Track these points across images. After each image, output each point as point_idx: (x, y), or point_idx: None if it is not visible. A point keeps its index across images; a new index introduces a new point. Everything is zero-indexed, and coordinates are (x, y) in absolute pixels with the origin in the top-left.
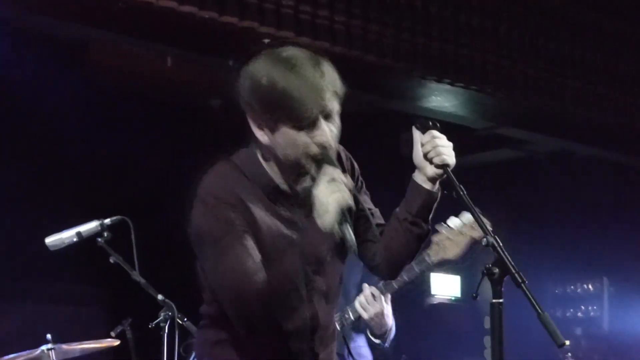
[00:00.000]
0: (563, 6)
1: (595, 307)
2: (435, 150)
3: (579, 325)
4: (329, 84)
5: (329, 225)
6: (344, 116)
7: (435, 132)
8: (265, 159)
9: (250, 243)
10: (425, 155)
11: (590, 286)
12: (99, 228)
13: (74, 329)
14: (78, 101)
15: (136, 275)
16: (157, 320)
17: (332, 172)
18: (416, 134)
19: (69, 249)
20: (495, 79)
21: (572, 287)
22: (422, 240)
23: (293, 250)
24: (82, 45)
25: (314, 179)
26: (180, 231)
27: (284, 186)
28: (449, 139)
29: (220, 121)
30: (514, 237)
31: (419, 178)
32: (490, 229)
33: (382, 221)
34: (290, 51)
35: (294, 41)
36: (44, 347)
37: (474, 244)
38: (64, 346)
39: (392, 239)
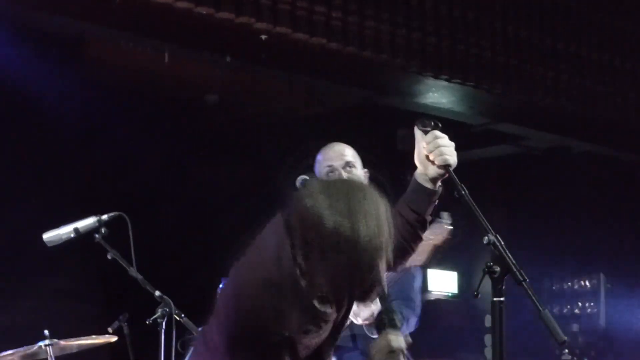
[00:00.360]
0: (560, 3)
1: (592, 304)
2: (437, 150)
3: (576, 321)
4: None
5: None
6: (340, 112)
7: (438, 132)
8: None
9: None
10: (427, 156)
11: (587, 282)
12: (97, 224)
13: (71, 325)
14: (75, 97)
15: (133, 272)
16: (154, 317)
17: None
18: (418, 133)
19: (66, 245)
20: (492, 75)
21: (569, 283)
22: (424, 232)
23: None
24: (79, 41)
25: None
26: (176, 227)
27: None
28: (446, 134)
29: (216, 117)
30: (511, 234)
31: (420, 178)
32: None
33: None
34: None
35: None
36: (41, 343)
37: (437, 250)
38: (62, 342)
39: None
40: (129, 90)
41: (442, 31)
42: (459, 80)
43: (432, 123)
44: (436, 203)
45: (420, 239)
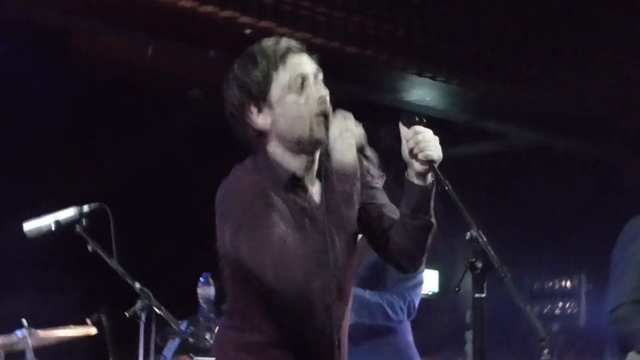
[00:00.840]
0: (544, 0)
1: (572, 304)
2: (418, 146)
3: (556, 321)
4: (295, 44)
5: (352, 162)
6: None
7: (419, 127)
8: (274, 154)
9: (276, 216)
10: (410, 151)
11: (567, 282)
12: (77, 215)
13: (50, 316)
14: (58, 89)
15: (114, 264)
16: (133, 308)
17: (339, 123)
18: (402, 129)
19: (46, 237)
20: (476, 73)
21: (549, 283)
22: (427, 231)
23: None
24: (62, 33)
25: (321, 142)
26: (158, 219)
27: (300, 172)
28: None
29: (199, 111)
30: (492, 231)
31: (409, 174)
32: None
33: (395, 216)
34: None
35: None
36: (18, 332)
37: None
38: (40, 331)
39: (399, 234)
40: (113, 83)
41: (428, 28)
42: (442, 78)
43: (416, 119)
44: (433, 196)
45: (424, 231)
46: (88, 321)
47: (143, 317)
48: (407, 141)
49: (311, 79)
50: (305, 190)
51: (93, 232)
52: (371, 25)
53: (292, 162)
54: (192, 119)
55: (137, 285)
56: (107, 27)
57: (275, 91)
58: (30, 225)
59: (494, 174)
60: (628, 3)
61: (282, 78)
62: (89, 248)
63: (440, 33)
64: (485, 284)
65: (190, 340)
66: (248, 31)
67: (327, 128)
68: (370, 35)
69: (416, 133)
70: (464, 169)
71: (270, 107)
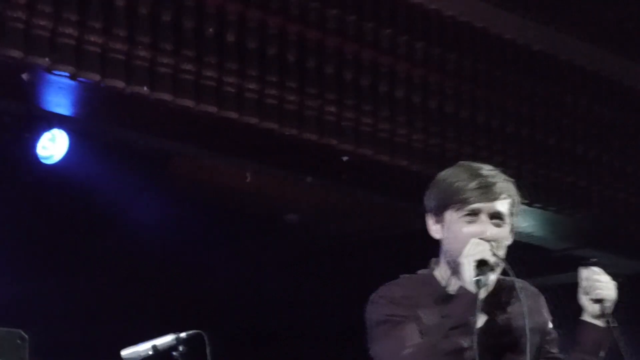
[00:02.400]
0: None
1: None
2: (592, 285)
3: None
4: (501, 187)
5: (469, 281)
6: (421, 233)
7: (595, 268)
8: (437, 264)
9: (409, 327)
10: (584, 292)
11: None
12: (175, 342)
13: None
14: (159, 212)
15: None
16: None
17: (476, 239)
18: (580, 271)
19: None
20: (573, 200)
21: None
22: None
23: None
24: (164, 157)
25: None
26: (255, 345)
27: (451, 288)
28: (526, 259)
29: (296, 236)
30: None
31: (585, 316)
32: None
33: None
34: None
35: None
36: None
37: None
38: None
39: None
40: (212, 206)
41: (525, 156)
42: (540, 205)
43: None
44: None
45: None
46: None
47: None
48: (583, 281)
49: (484, 216)
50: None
51: (190, 358)
52: (468, 152)
53: (452, 283)
54: (289, 243)
55: None
56: (208, 151)
57: (450, 214)
58: (129, 352)
59: None
60: None
61: (461, 206)
62: None
63: (537, 161)
64: None
65: None
66: (345, 158)
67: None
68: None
69: (592, 273)
70: (561, 297)
71: (443, 224)
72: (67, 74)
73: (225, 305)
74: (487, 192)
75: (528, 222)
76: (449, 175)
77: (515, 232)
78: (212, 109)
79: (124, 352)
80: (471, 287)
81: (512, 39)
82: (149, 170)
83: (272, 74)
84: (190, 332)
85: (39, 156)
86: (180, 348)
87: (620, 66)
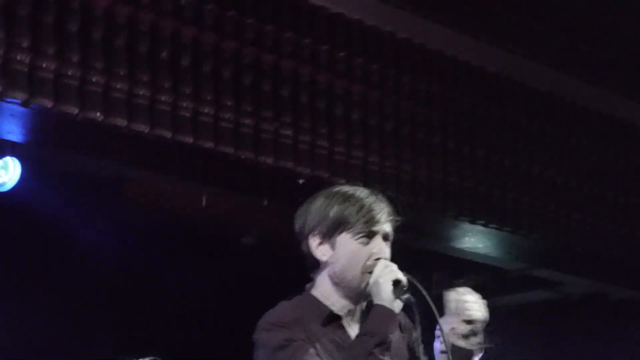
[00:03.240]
0: (597, 150)
1: None
2: (463, 306)
3: None
4: (386, 209)
5: (388, 300)
6: None
7: (463, 289)
8: (315, 286)
9: (312, 350)
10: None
11: None
12: None
13: None
14: (114, 237)
15: None
16: None
17: (383, 262)
18: (446, 294)
19: None
20: (529, 221)
21: None
22: None
23: None
24: (118, 182)
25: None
26: None
27: (336, 308)
28: (482, 280)
29: (252, 259)
30: None
31: (452, 337)
32: None
33: None
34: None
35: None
36: None
37: None
38: None
39: None
40: (167, 230)
41: (479, 176)
42: (495, 226)
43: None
44: None
45: None
46: None
47: None
48: (451, 304)
49: (379, 238)
50: (343, 329)
51: None
52: (424, 174)
53: (336, 302)
54: (246, 267)
55: None
56: (163, 175)
57: (344, 236)
58: None
59: (549, 321)
60: None
61: (355, 221)
62: None
63: (493, 181)
64: None
65: None
66: (301, 181)
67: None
68: (423, 183)
69: (460, 295)
70: (518, 316)
71: (332, 245)
72: (18, 100)
73: (182, 330)
74: (381, 215)
75: (484, 243)
76: (343, 198)
77: (471, 253)
78: (167, 133)
79: None
80: (389, 305)
81: (465, 60)
82: (103, 195)
83: (227, 97)
84: (148, 358)
85: None
86: None
87: (577, 87)
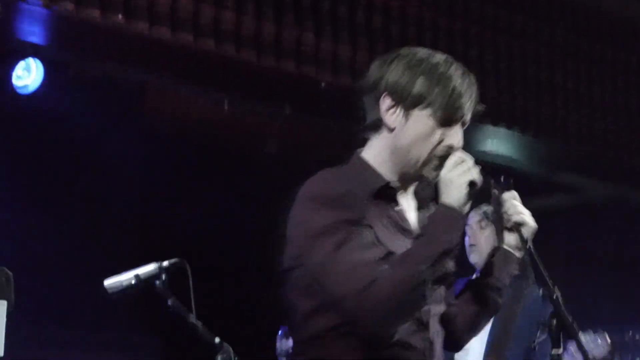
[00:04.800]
0: (619, 59)
1: None
2: (516, 209)
3: None
4: (474, 95)
5: (460, 202)
6: None
7: (516, 194)
8: (375, 158)
9: (367, 236)
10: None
11: None
12: (157, 270)
13: None
14: (134, 145)
15: (193, 319)
16: None
17: (459, 154)
18: (496, 192)
19: (125, 294)
20: (551, 126)
21: (629, 335)
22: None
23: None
24: (139, 89)
25: (425, 179)
26: (236, 275)
27: (395, 183)
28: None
29: (276, 168)
30: (570, 283)
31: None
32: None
33: None
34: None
35: None
36: None
37: None
38: None
39: (467, 304)
40: (189, 139)
41: (502, 83)
42: (518, 129)
43: (511, 182)
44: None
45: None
46: None
47: None
48: (504, 204)
49: (459, 125)
50: (397, 206)
51: (171, 288)
52: None
53: (389, 174)
54: (268, 174)
55: (217, 339)
56: (184, 84)
57: (423, 112)
58: (111, 281)
59: (569, 227)
60: None
61: (441, 103)
62: (169, 303)
63: (514, 88)
64: (562, 340)
65: None
66: (323, 84)
67: (436, 171)
68: None
69: (514, 196)
70: (538, 221)
71: (407, 116)
72: (39, 2)
73: (204, 238)
74: (469, 102)
75: (506, 147)
76: (436, 73)
77: (494, 156)
78: (189, 39)
79: (107, 282)
80: (460, 209)
81: None
82: (124, 103)
83: (249, 3)
84: (172, 260)
85: (14, 86)
86: (163, 277)
87: None
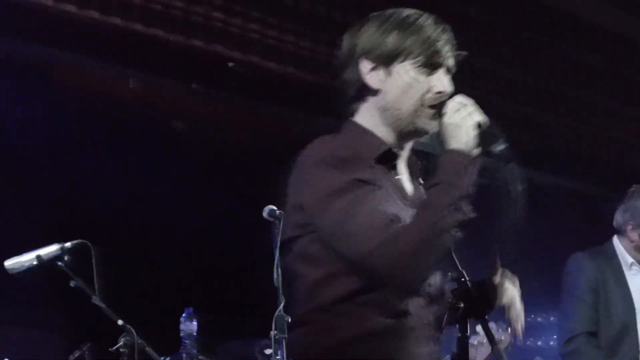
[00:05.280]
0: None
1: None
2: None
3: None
4: (451, 40)
5: (469, 145)
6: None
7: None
8: (367, 123)
9: (382, 194)
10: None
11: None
12: (60, 252)
13: (32, 352)
14: (40, 122)
15: (97, 300)
16: (117, 346)
17: (459, 99)
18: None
19: (29, 273)
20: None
21: (531, 316)
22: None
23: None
24: (45, 66)
25: (423, 133)
26: (141, 255)
27: (396, 149)
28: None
29: (183, 144)
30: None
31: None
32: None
33: None
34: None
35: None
36: None
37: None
38: None
39: None
40: (97, 116)
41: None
42: None
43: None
44: None
45: None
46: (71, 358)
47: (126, 354)
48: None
49: (442, 71)
50: (396, 170)
51: (75, 268)
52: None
53: (386, 137)
54: (175, 152)
55: (120, 321)
56: (91, 60)
57: (403, 65)
58: (12, 262)
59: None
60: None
61: (418, 52)
62: (72, 284)
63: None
64: (468, 324)
65: None
66: (231, 64)
67: (433, 121)
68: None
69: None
70: None
71: (389, 73)
72: None
73: (110, 217)
74: (447, 46)
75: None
76: (405, 24)
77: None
78: (95, 14)
79: (7, 263)
80: (470, 152)
81: None
82: (31, 80)
83: None
84: (75, 241)
85: None
86: (65, 258)
87: None
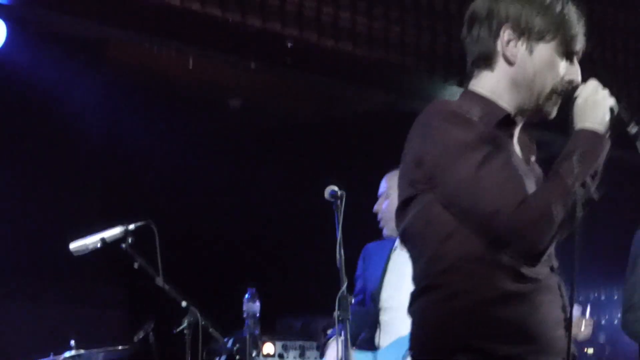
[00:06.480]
0: None
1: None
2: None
3: (602, 331)
4: (583, 29)
5: (603, 126)
6: (363, 116)
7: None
8: (492, 92)
9: (506, 155)
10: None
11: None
12: (123, 233)
13: (96, 332)
14: (98, 100)
15: (160, 281)
16: (181, 327)
17: (595, 83)
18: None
19: (94, 254)
20: None
21: (595, 294)
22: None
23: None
24: (102, 43)
25: (544, 116)
26: (203, 235)
27: (518, 118)
28: None
29: (240, 121)
30: None
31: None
32: None
33: None
34: None
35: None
36: (67, 354)
37: None
38: (87, 352)
39: None
40: (152, 93)
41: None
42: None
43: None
44: None
45: None
46: (135, 339)
47: (189, 335)
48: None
49: (576, 60)
50: (512, 140)
51: (139, 249)
52: (412, 34)
53: (506, 108)
54: (234, 130)
55: (184, 302)
56: (147, 36)
57: (546, 45)
58: (77, 244)
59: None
60: None
61: (562, 37)
62: (136, 265)
63: None
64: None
65: (237, 357)
66: (289, 43)
67: (555, 107)
68: (411, 44)
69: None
70: None
71: (530, 50)
72: None
73: (170, 195)
74: (582, 36)
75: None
76: (556, 6)
77: None
78: None
79: (72, 245)
80: (603, 133)
81: None
82: (89, 57)
83: None
84: (139, 223)
85: None
86: (129, 240)
87: None
